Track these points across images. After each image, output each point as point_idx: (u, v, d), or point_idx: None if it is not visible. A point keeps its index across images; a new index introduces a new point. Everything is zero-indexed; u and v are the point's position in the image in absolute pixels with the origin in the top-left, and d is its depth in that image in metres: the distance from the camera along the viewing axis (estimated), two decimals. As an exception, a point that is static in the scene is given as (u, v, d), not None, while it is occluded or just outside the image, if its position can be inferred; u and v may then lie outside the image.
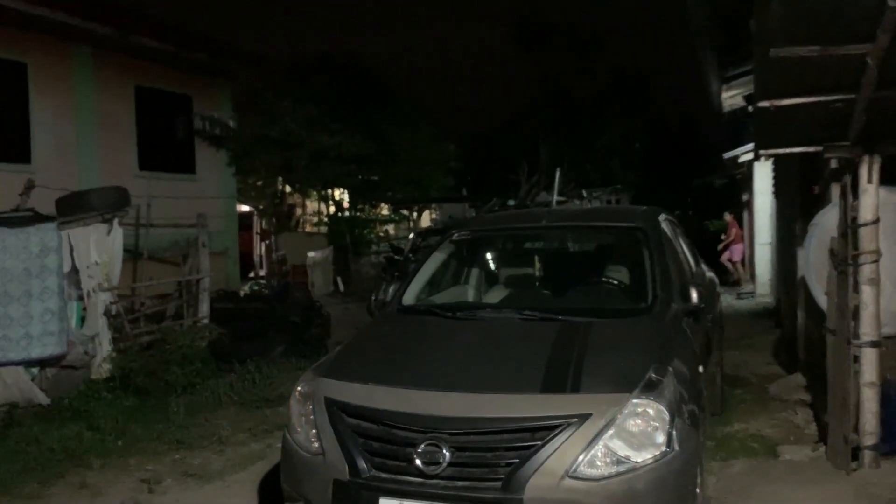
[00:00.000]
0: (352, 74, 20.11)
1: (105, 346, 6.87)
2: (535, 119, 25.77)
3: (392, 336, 3.95)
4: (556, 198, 6.61)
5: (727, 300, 11.85)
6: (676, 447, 2.85)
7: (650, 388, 2.92)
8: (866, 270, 4.10)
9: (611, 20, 63.00)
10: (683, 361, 3.28)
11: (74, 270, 6.86)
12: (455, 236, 4.86)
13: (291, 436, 3.30)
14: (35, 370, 6.29)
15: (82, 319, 6.97)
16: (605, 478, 2.75)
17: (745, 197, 15.53)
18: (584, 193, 21.08)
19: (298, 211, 21.59)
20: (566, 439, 2.78)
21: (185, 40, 11.02)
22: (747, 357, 7.54)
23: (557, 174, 7.74)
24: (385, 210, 22.11)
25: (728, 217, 15.44)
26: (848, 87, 3.62)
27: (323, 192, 18.98)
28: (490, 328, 3.82)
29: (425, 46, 57.13)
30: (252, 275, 18.42)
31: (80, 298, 6.95)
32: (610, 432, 2.80)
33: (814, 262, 4.87)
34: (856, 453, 4.18)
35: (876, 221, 4.07)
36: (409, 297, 4.32)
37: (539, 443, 2.79)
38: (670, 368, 3.08)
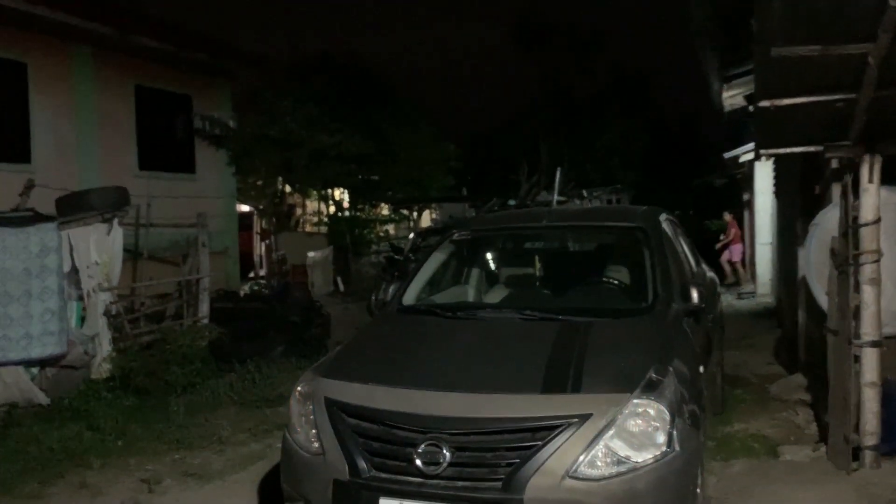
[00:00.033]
0: (352, 74, 20.13)
1: (105, 346, 6.87)
2: (536, 119, 25.83)
3: (392, 336, 3.95)
4: (556, 197, 6.64)
5: (728, 300, 11.85)
6: (677, 447, 2.84)
7: (651, 388, 2.92)
8: (867, 270, 4.11)
9: (611, 20, 63.19)
10: (684, 361, 3.28)
11: (74, 270, 6.85)
12: (455, 236, 4.85)
13: (291, 436, 3.30)
14: (35, 370, 6.29)
15: (82, 319, 6.97)
16: (605, 478, 2.75)
17: (745, 197, 15.49)
18: (585, 193, 21.03)
19: (298, 211, 21.57)
20: (567, 439, 2.77)
21: (184, 40, 11.02)
22: (748, 357, 7.54)
23: (558, 174, 7.77)
24: (385, 210, 22.10)
25: (728, 217, 15.40)
26: (849, 87, 3.63)
27: (323, 192, 18.95)
28: (490, 328, 3.81)
29: (425, 46, 57.14)
30: (252, 275, 18.38)
31: (80, 298, 6.95)
32: (610, 432, 2.80)
33: (815, 262, 4.87)
34: (856, 453, 4.18)
35: (877, 221, 4.07)
36: (409, 297, 4.32)
37: (539, 443, 2.79)
38: (671, 368, 3.08)
